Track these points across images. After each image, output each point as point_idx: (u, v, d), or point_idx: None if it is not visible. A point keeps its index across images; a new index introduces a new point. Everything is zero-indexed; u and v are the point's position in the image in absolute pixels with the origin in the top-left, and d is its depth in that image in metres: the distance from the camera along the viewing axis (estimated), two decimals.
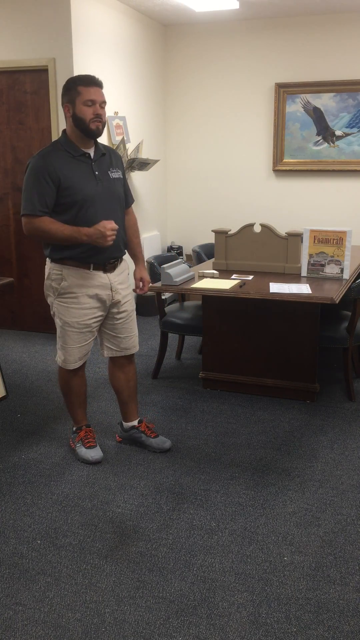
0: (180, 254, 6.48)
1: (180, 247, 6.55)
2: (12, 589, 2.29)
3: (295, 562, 2.43)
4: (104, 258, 2.96)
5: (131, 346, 3.21)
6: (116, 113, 5.37)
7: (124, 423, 3.37)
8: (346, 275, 3.91)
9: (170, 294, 5.97)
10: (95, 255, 2.92)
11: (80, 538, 2.58)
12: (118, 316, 3.10)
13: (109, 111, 5.11)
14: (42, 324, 5.39)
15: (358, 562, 2.43)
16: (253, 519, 2.71)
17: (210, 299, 3.98)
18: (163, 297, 4.32)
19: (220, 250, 4.24)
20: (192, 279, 3.97)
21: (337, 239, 3.90)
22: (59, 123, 4.84)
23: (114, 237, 2.86)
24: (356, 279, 3.96)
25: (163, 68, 6.30)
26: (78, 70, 4.76)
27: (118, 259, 3.06)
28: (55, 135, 4.89)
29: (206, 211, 6.49)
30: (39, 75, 4.88)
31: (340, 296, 3.55)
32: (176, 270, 3.88)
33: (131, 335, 3.19)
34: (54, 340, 5.16)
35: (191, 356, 4.82)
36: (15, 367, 4.62)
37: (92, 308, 2.99)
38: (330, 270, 3.94)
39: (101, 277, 2.98)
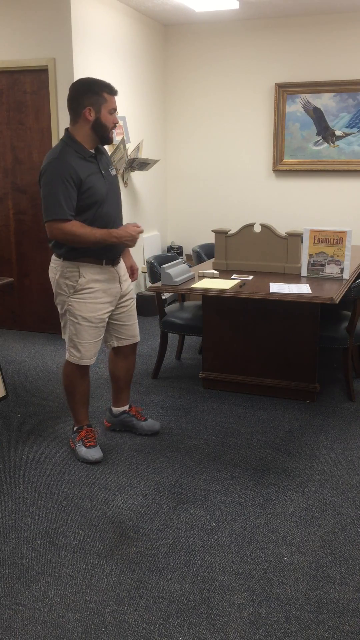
0: (180, 254, 6.47)
1: (180, 247, 6.54)
2: (12, 589, 2.29)
3: (295, 562, 2.43)
4: (114, 254, 3.11)
5: (136, 333, 3.37)
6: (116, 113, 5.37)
7: (114, 408, 3.49)
8: (346, 275, 3.91)
9: (170, 294, 5.98)
10: (107, 252, 3.06)
11: (80, 538, 2.59)
12: (124, 304, 3.25)
13: None
14: (42, 324, 5.40)
15: (358, 562, 2.43)
16: (253, 519, 2.71)
17: (210, 299, 3.98)
18: (163, 297, 4.32)
19: (220, 250, 4.24)
20: (192, 279, 3.97)
21: (337, 239, 3.90)
22: (59, 123, 4.84)
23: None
24: (356, 279, 3.96)
25: (163, 68, 6.30)
26: (78, 70, 4.76)
27: (121, 253, 3.23)
28: (55, 135, 4.88)
29: (206, 211, 6.49)
30: (39, 75, 4.88)
31: (340, 296, 3.55)
32: (176, 270, 3.88)
33: (135, 322, 3.36)
34: (54, 340, 5.18)
35: (191, 356, 4.82)
36: (15, 367, 4.62)
37: (105, 302, 3.12)
38: (330, 270, 3.94)
39: (111, 271, 3.12)
